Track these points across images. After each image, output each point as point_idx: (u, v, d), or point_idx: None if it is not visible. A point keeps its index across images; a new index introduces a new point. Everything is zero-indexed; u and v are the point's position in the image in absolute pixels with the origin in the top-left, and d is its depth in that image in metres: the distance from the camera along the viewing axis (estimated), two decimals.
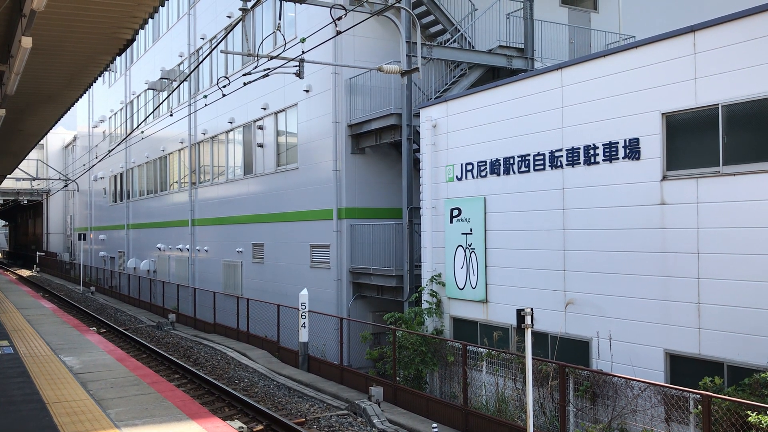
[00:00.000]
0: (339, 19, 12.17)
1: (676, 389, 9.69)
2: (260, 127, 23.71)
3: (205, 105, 24.22)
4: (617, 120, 11.64)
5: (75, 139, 57.42)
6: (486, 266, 14.39)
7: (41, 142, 26.90)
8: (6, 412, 7.03)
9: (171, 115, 28.91)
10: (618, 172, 11.62)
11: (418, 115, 16.89)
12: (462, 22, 19.25)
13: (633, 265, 11.34)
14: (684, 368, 10.58)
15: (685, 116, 10.68)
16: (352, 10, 12.88)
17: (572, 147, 12.47)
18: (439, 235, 15.77)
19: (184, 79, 19.78)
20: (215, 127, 27.32)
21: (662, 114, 10.94)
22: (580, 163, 12.34)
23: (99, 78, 14.70)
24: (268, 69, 15.02)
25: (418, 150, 17.04)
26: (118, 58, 13.29)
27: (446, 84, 19.11)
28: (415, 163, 17.38)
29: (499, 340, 13.60)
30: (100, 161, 36.47)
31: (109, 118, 44.05)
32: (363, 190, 19.35)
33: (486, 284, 14.37)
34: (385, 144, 18.71)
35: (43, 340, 11.74)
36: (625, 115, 11.52)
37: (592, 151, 12.10)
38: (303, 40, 13.81)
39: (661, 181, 10.92)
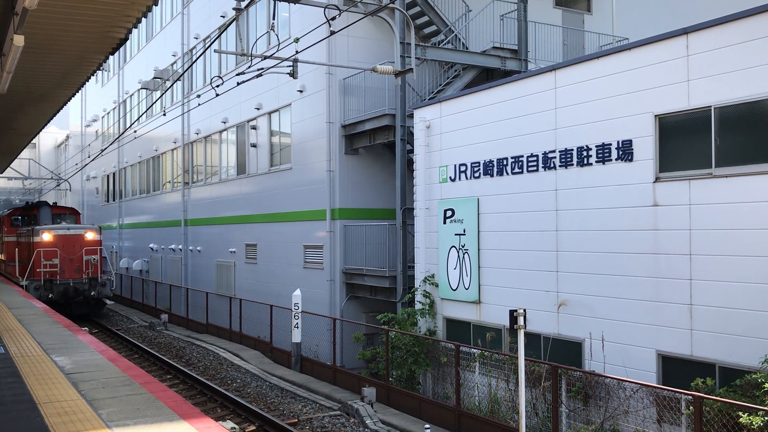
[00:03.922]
0: (333, 19, 12.16)
1: (668, 390, 9.72)
2: (254, 127, 23.67)
3: (199, 105, 24.14)
4: (610, 121, 11.68)
5: (67, 138, 57.17)
6: (479, 267, 14.40)
7: (33, 141, 26.99)
8: None
9: (164, 115, 28.84)
10: (611, 173, 11.65)
11: (411, 115, 16.90)
12: (456, 23, 19.27)
13: (625, 266, 11.37)
14: (676, 369, 10.62)
15: (677, 118, 10.72)
16: (345, 11, 12.88)
17: (565, 148, 12.50)
18: (432, 235, 15.77)
19: (178, 79, 19.72)
20: (208, 126, 27.26)
21: (655, 116, 10.98)
22: (573, 165, 12.36)
23: (92, 77, 14.63)
24: (262, 69, 15.00)
25: (411, 151, 17.05)
26: (111, 57, 13.24)
27: (440, 85, 19.12)
28: (409, 164, 17.38)
29: (491, 340, 13.62)
30: (92, 161, 36.29)
31: (102, 117, 43.89)
32: (356, 190, 19.34)
33: (479, 285, 14.38)
34: (378, 145, 18.71)
35: (35, 340, 11.68)
36: (618, 117, 11.55)
37: (585, 153, 12.13)
38: (297, 40, 13.80)
39: (654, 182, 10.96)
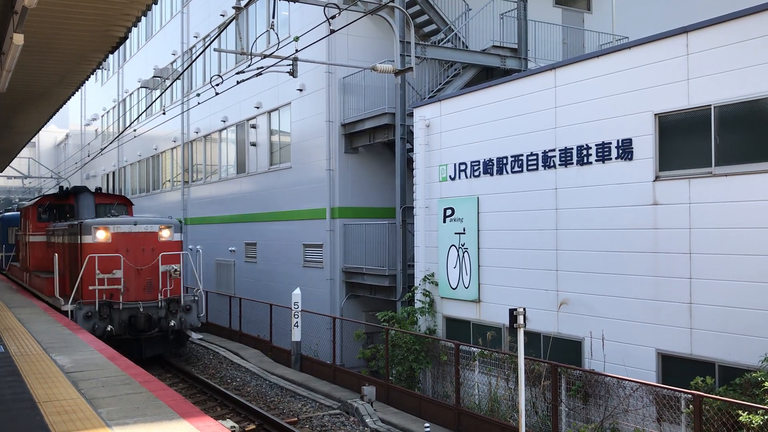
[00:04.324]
0: (333, 17, 12.15)
1: (668, 389, 9.72)
2: (253, 126, 23.67)
3: (198, 103, 24.16)
4: (610, 120, 11.67)
5: (67, 137, 57.19)
6: (479, 266, 14.40)
7: (33, 140, 26.74)
8: None
9: (164, 114, 28.84)
10: (611, 172, 11.64)
11: (411, 114, 16.90)
12: (456, 21, 19.26)
13: (625, 265, 11.37)
14: (676, 368, 10.62)
15: (677, 117, 10.72)
16: (345, 9, 12.88)
17: (565, 147, 12.50)
18: (432, 234, 15.77)
19: (177, 78, 19.68)
20: (208, 125, 27.26)
21: (655, 114, 10.98)
22: (573, 164, 12.36)
23: (91, 76, 14.62)
24: (262, 68, 14.98)
25: (411, 149, 17.04)
26: (110, 56, 13.21)
27: (440, 84, 19.12)
28: (409, 163, 17.39)
29: (491, 339, 13.62)
30: (92, 159, 36.33)
31: (102, 116, 43.88)
32: (356, 189, 19.34)
33: (479, 284, 14.38)
34: (378, 143, 18.71)
35: (35, 339, 11.68)
36: (618, 116, 11.55)
37: (585, 152, 12.12)
38: (296, 39, 13.78)
39: (654, 181, 10.95)
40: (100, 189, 23.05)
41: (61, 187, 22.20)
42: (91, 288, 15.96)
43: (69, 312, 15.75)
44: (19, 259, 25.14)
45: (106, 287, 16.03)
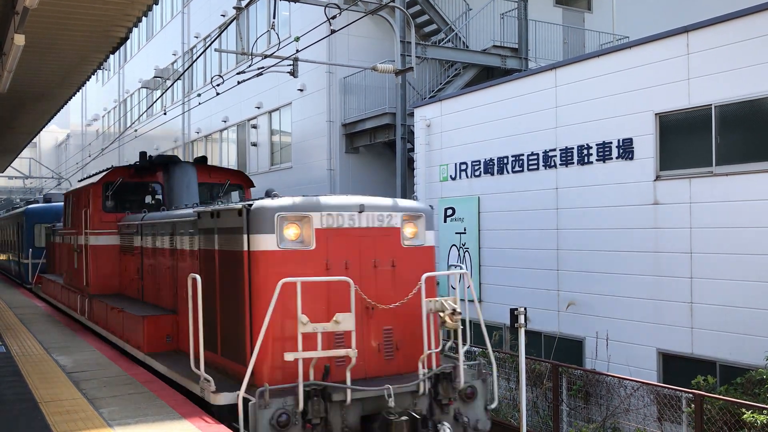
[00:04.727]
0: (333, 18, 12.15)
1: (669, 388, 9.72)
2: (254, 126, 23.67)
3: (199, 103, 24.13)
4: (611, 120, 11.67)
5: (68, 137, 57.22)
6: (480, 266, 14.40)
7: (34, 140, 26.69)
8: None
9: (165, 114, 28.84)
10: (611, 171, 11.64)
11: (412, 114, 16.90)
12: (456, 21, 19.27)
13: (626, 264, 11.37)
14: (677, 367, 10.62)
15: (678, 116, 10.72)
16: (346, 9, 12.87)
17: (566, 147, 12.50)
18: None
19: (178, 78, 19.67)
20: (209, 125, 27.26)
21: (656, 114, 10.98)
22: (573, 163, 12.36)
23: (92, 76, 14.63)
24: (262, 68, 14.98)
25: (412, 149, 17.05)
26: (111, 56, 13.21)
27: (440, 83, 19.12)
28: (410, 163, 17.39)
29: (496, 340, 13.62)
30: (93, 160, 36.31)
31: (103, 116, 43.91)
32: (357, 189, 19.33)
33: (480, 283, 14.38)
34: (379, 143, 18.71)
35: (36, 339, 11.68)
36: (618, 115, 11.55)
37: (585, 151, 12.12)
38: (297, 39, 13.77)
39: (654, 181, 10.95)
40: (205, 158, 13.35)
41: (142, 154, 12.84)
42: (289, 358, 6.35)
43: (241, 409, 6.38)
44: (57, 271, 16.39)
45: (321, 354, 6.46)
